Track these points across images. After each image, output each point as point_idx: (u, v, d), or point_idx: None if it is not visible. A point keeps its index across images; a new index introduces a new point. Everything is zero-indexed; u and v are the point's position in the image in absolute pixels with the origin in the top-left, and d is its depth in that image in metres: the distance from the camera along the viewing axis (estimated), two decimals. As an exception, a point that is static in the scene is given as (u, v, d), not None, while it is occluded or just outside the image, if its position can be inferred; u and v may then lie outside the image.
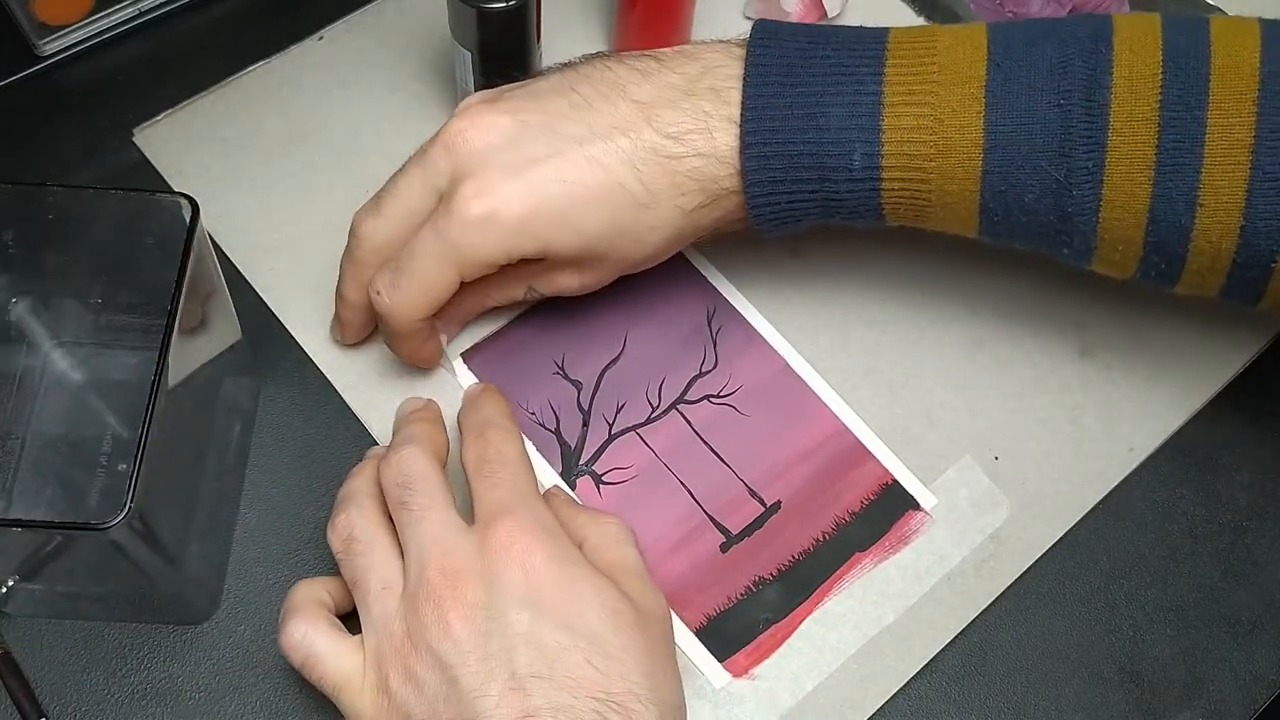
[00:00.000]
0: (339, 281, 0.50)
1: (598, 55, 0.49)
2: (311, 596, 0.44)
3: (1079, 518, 0.52)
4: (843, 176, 0.46)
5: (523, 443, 0.46)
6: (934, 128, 0.44)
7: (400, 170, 0.48)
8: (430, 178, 0.47)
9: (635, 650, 0.41)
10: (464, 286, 0.48)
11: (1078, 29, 0.45)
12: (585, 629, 0.40)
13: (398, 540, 0.43)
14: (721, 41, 0.48)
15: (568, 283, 0.50)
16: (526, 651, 0.40)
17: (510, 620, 0.40)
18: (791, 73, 0.46)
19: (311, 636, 0.43)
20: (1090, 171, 0.44)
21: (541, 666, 0.39)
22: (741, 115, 0.46)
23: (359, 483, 0.45)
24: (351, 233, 0.49)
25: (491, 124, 0.46)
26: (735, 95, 0.46)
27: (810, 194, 0.47)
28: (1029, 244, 0.48)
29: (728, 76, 0.46)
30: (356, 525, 0.44)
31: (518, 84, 0.49)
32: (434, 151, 0.47)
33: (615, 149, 0.46)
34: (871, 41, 0.46)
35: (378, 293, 0.47)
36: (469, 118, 0.47)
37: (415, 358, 0.51)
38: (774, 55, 0.46)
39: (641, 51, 0.49)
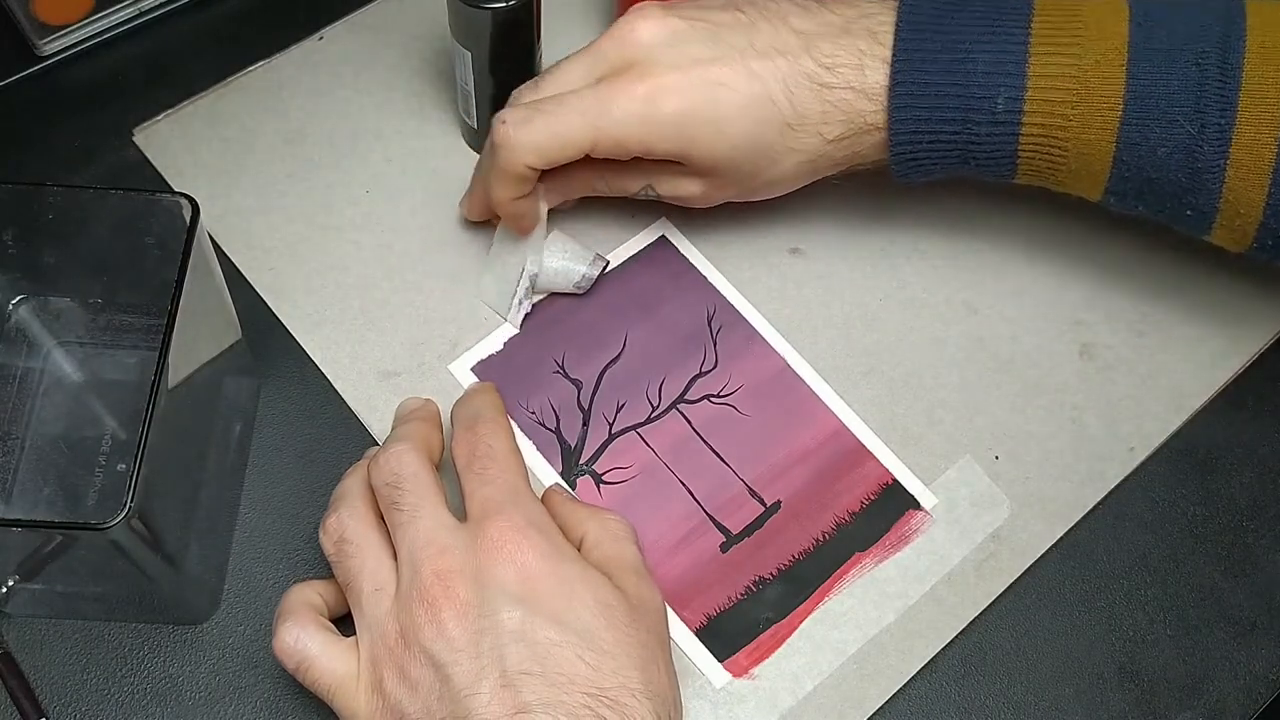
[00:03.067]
0: (486, 145, 0.51)
1: None
2: (304, 600, 0.44)
3: (1079, 518, 0.52)
4: (985, 119, 0.48)
5: (514, 438, 0.46)
6: (1077, 76, 0.46)
7: (565, 58, 0.50)
8: (596, 65, 0.49)
9: (628, 645, 0.41)
10: (583, 161, 0.49)
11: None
12: (577, 625, 0.41)
13: (389, 540, 0.43)
14: None
15: (689, 190, 0.52)
16: (518, 649, 0.40)
17: (502, 618, 0.40)
18: (942, 22, 0.48)
19: (304, 640, 0.43)
20: (1221, 129, 0.46)
21: (533, 664, 0.40)
22: (893, 55, 0.48)
23: (351, 483, 0.45)
24: (507, 105, 0.50)
25: (662, 22, 0.49)
26: (889, 38, 0.48)
27: (951, 135, 0.48)
28: (1151, 205, 0.49)
29: (883, 22, 0.49)
30: (348, 526, 0.44)
31: None
32: (603, 42, 0.49)
33: (773, 67, 0.48)
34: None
35: (503, 122, 0.48)
36: (641, 14, 0.49)
37: (510, 210, 0.51)
38: (927, 5, 0.49)
39: None
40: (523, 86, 0.51)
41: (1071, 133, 0.47)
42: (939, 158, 0.49)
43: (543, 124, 0.48)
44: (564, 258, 0.53)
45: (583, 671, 0.40)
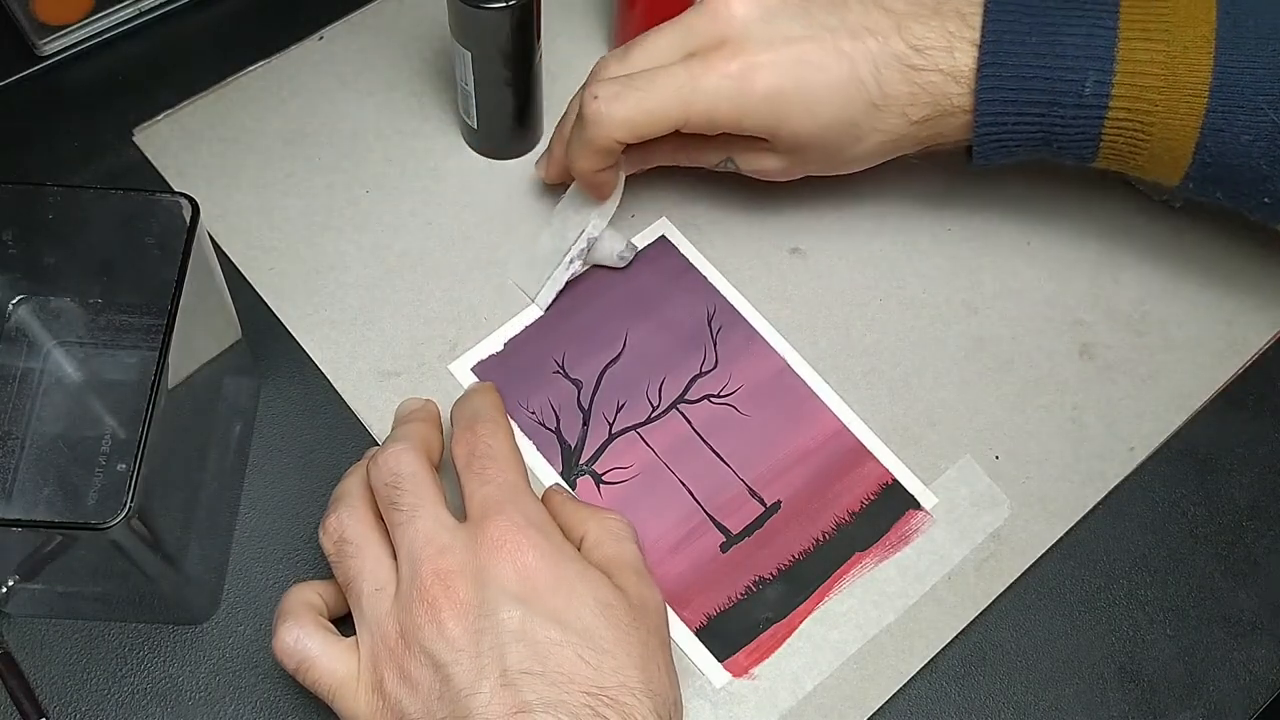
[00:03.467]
0: (564, 115, 0.52)
1: None
2: (303, 600, 0.44)
3: (1079, 518, 0.52)
4: (1071, 103, 0.48)
5: (513, 437, 0.46)
6: (1165, 63, 0.47)
7: (655, 29, 0.50)
8: (686, 39, 0.49)
9: (628, 644, 0.41)
10: (667, 134, 0.49)
11: None
12: (577, 624, 0.41)
13: (389, 540, 0.43)
14: None
15: (769, 165, 0.52)
16: (518, 648, 0.40)
17: (502, 618, 0.40)
18: (1030, 5, 0.49)
19: (304, 641, 0.43)
20: None
21: (533, 663, 0.40)
22: (982, 37, 0.48)
23: (350, 483, 0.45)
24: (592, 73, 0.51)
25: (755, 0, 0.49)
26: (978, 20, 0.49)
27: (1036, 118, 0.49)
28: (1229, 192, 0.49)
29: (972, 4, 0.49)
30: (347, 526, 0.44)
31: None
32: (694, 17, 0.49)
33: (864, 48, 0.49)
34: None
35: (595, 97, 0.48)
36: None
37: (591, 179, 0.51)
38: None
39: None
40: (608, 57, 0.51)
41: (1157, 118, 0.47)
42: (1022, 140, 0.50)
43: (634, 100, 0.48)
44: (612, 231, 0.54)
45: (583, 671, 0.40)
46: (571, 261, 0.53)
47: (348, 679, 0.42)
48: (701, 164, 0.54)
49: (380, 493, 0.44)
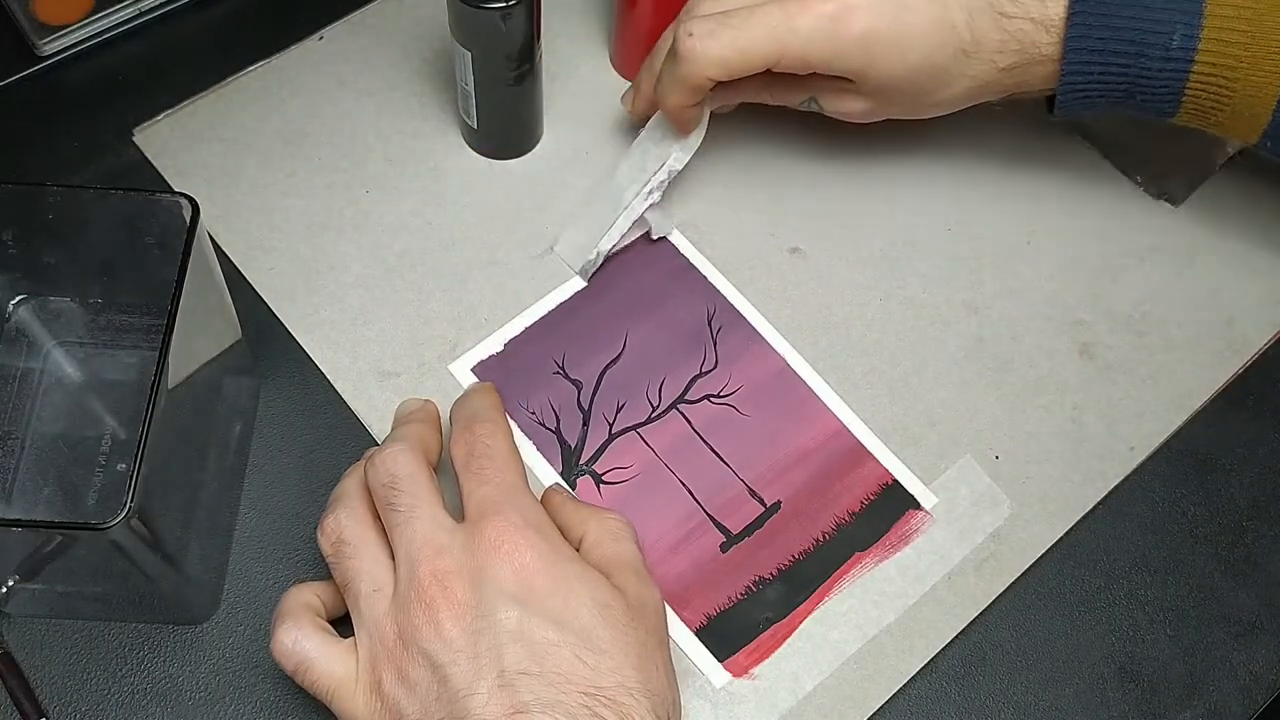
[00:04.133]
0: (655, 49, 0.52)
1: None
2: (302, 601, 0.44)
3: (1079, 518, 0.52)
4: (1158, 54, 0.48)
5: (512, 438, 0.46)
6: (1252, 19, 0.47)
7: None
8: None
9: (626, 644, 0.41)
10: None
11: None
12: (575, 624, 0.41)
13: (387, 541, 0.43)
14: None
15: (853, 107, 0.53)
16: (515, 649, 0.40)
17: (499, 618, 0.40)
18: None
19: (302, 642, 0.43)
20: None
21: (530, 663, 0.39)
22: None
23: (348, 484, 0.45)
24: (685, 8, 0.51)
25: None
26: None
27: (1122, 69, 0.49)
28: None
29: None
30: (345, 527, 0.44)
31: None
32: None
33: None
34: None
35: (690, 34, 0.49)
36: None
37: (679, 115, 0.52)
38: None
39: None
40: None
41: (1240, 74, 0.48)
42: (1105, 91, 0.50)
43: (728, 38, 0.48)
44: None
45: (580, 671, 0.40)
46: (650, 193, 0.53)
47: (346, 680, 0.42)
48: (785, 103, 0.54)
49: (378, 493, 0.44)
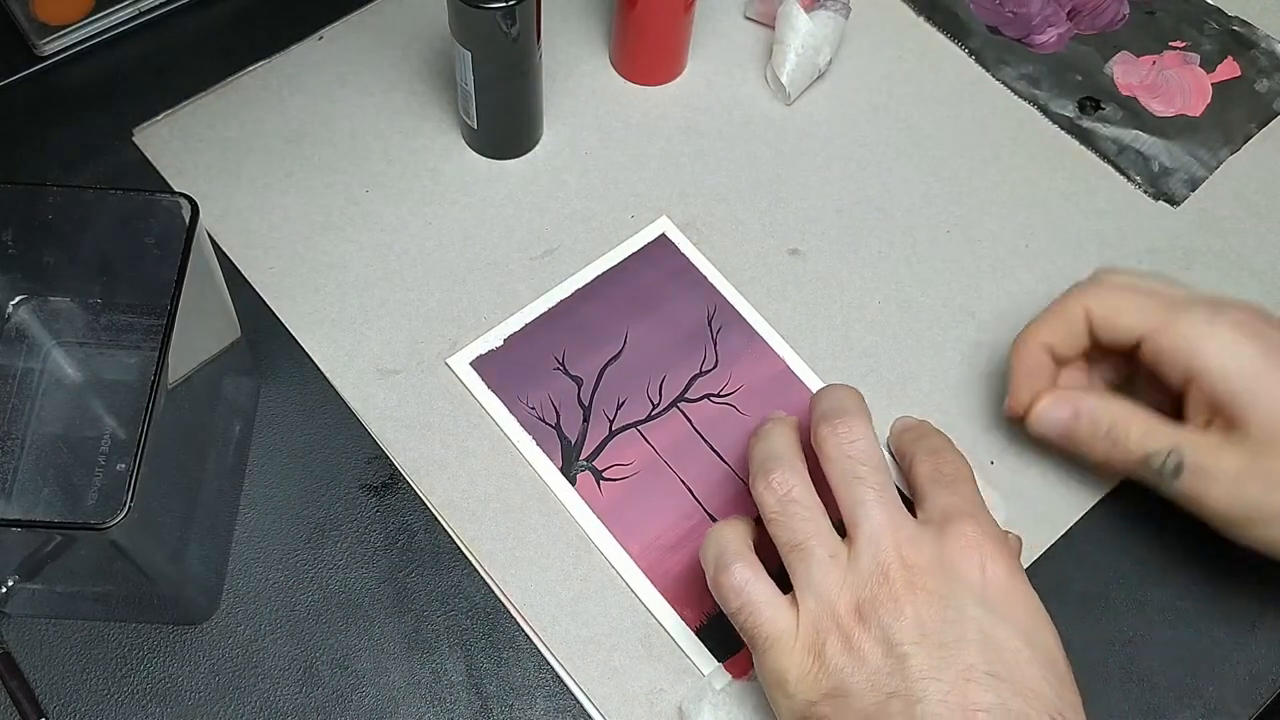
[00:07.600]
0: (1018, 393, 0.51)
1: None
2: (746, 543, 0.44)
3: (1079, 518, 0.52)
4: None
5: (971, 470, 0.46)
6: None
7: None
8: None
9: (1071, 680, 0.41)
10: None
11: None
12: (1041, 645, 0.41)
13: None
14: None
15: (1229, 464, 0.48)
16: (985, 649, 0.40)
17: (970, 615, 0.40)
18: None
19: (755, 584, 0.43)
20: None
21: (1000, 667, 0.40)
22: None
23: (781, 444, 0.45)
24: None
25: None
26: None
27: None
28: None
29: None
30: (795, 486, 0.44)
31: None
32: None
33: None
34: None
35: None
36: None
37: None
38: None
39: None
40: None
41: None
42: None
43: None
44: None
45: (1045, 691, 0.40)
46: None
47: (787, 633, 0.42)
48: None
49: (842, 464, 0.44)
